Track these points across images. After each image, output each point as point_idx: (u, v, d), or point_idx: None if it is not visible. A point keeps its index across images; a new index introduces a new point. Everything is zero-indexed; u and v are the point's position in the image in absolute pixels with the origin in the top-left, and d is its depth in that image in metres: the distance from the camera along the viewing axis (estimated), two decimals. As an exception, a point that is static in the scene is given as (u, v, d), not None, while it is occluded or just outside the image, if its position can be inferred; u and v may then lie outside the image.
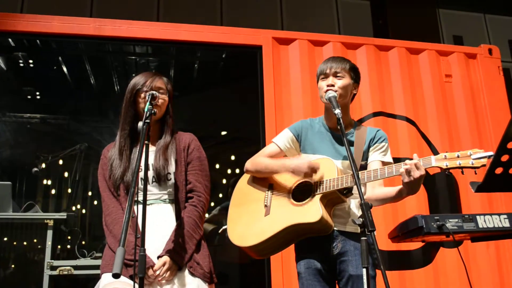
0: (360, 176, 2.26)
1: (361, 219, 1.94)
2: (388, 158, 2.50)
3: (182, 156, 2.56)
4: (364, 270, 1.95)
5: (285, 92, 4.23)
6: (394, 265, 3.94)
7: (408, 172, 2.12)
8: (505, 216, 2.71)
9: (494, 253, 4.15)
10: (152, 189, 2.48)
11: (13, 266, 4.77)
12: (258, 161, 2.59)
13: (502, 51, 4.95)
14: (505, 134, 1.67)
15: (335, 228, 2.38)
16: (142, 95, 2.50)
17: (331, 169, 2.35)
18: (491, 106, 4.58)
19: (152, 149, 2.55)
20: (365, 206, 1.91)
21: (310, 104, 4.16)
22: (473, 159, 2.00)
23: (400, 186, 2.29)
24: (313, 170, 2.32)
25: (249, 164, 2.62)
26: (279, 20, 7.05)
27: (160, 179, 2.46)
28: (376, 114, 4.29)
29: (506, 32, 7.97)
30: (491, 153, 1.92)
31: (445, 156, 2.08)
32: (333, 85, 2.45)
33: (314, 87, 4.18)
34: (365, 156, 2.51)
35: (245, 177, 2.68)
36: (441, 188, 4.29)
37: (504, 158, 1.73)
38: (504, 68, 5.14)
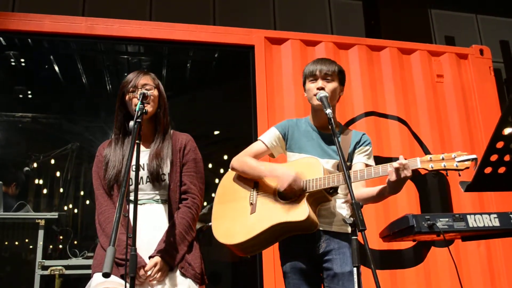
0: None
1: (352, 218, 1.95)
2: (372, 162, 2.54)
3: (178, 157, 2.56)
4: (355, 269, 1.96)
5: (277, 92, 4.24)
6: (386, 264, 3.96)
7: (396, 170, 2.14)
8: (495, 216, 2.73)
9: (485, 252, 4.18)
10: (145, 188, 2.47)
11: (4, 266, 4.75)
12: (245, 161, 2.58)
13: (493, 52, 4.98)
14: (494, 134, 1.68)
15: (320, 228, 2.40)
16: (127, 97, 2.50)
17: (317, 168, 2.37)
18: (482, 106, 4.61)
19: (147, 148, 2.55)
20: (356, 206, 1.92)
21: (302, 103, 4.16)
22: (457, 161, 2.04)
23: (383, 186, 2.32)
24: (295, 187, 2.32)
25: (235, 162, 2.61)
26: (272, 20, 7.05)
27: (154, 179, 2.46)
28: (368, 114, 4.31)
29: (498, 33, 8.00)
30: (474, 156, 1.97)
31: (430, 158, 2.12)
32: (323, 88, 2.46)
33: (306, 86, 4.21)
34: (350, 158, 2.54)
35: (230, 174, 2.68)
36: (432, 188, 4.31)
37: (493, 157, 1.74)
38: (495, 69, 5.16)
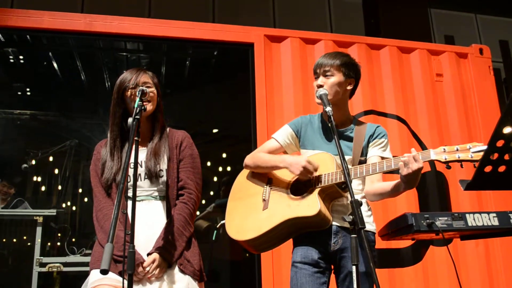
0: (359, 169, 2.27)
1: (351, 217, 1.94)
2: (387, 154, 2.47)
3: (175, 154, 2.55)
4: (354, 267, 1.96)
5: (277, 90, 4.24)
6: (384, 263, 3.96)
7: (406, 164, 2.10)
8: (494, 215, 2.72)
9: (483, 251, 4.18)
10: (143, 185, 2.47)
11: (2, 262, 4.75)
12: (257, 156, 2.58)
13: (492, 51, 4.98)
14: (495, 133, 1.67)
15: (336, 224, 2.37)
16: (128, 92, 2.48)
17: (329, 163, 2.34)
18: (482, 106, 4.61)
19: (144, 147, 2.54)
20: (355, 204, 1.91)
21: (302, 101, 4.16)
22: (472, 152, 1.99)
23: (398, 180, 2.26)
24: (310, 168, 2.29)
25: (248, 159, 2.62)
26: (271, 18, 7.04)
27: (152, 175, 2.46)
28: (367, 112, 4.31)
29: (497, 32, 8.00)
30: None
31: (444, 149, 2.06)
32: (322, 86, 2.44)
33: (306, 84, 4.22)
34: (365, 152, 2.49)
35: (245, 172, 2.68)
36: (431, 187, 4.31)
37: (494, 156, 1.73)
38: (495, 68, 5.16)
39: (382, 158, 2.43)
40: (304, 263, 2.36)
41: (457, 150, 2.04)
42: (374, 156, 2.45)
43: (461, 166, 2.06)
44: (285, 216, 2.32)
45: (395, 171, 2.20)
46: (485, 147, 1.92)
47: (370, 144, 2.49)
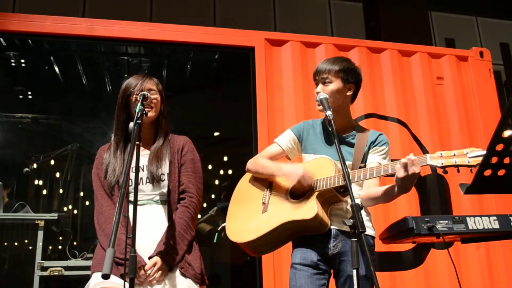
0: (357, 173, 2.26)
1: (351, 220, 1.94)
2: (387, 163, 2.43)
3: (176, 158, 2.57)
4: (355, 271, 1.96)
5: (277, 93, 4.24)
6: (385, 266, 3.95)
7: (404, 166, 2.08)
8: (495, 218, 2.73)
9: (484, 254, 4.17)
10: (145, 189, 2.48)
11: (3, 266, 4.75)
12: (258, 161, 2.59)
13: (493, 54, 4.98)
14: (494, 136, 1.68)
15: (335, 228, 2.37)
16: (133, 98, 2.51)
17: (328, 167, 2.35)
18: (482, 109, 4.61)
19: (146, 152, 2.56)
20: (356, 208, 1.91)
21: (302, 105, 4.17)
22: (469, 157, 1.97)
23: (391, 185, 2.25)
24: (306, 180, 2.31)
25: (250, 164, 2.63)
26: (272, 22, 7.06)
27: (154, 179, 2.47)
28: (368, 116, 4.31)
29: (498, 35, 8.02)
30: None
31: (441, 154, 2.05)
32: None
33: (306, 88, 4.22)
34: (365, 158, 2.49)
35: (247, 176, 2.70)
36: (432, 190, 4.31)
37: (493, 160, 1.74)
38: (495, 71, 5.17)
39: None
40: (303, 265, 2.36)
41: (454, 155, 2.03)
42: (373, 163, 2.43)
43: (458, 171, 2.04)
44: (283, 219, 2.33)
45: (393, 176, 2.20)
46: (482, 152, 1.92)
47: (370, 151, 2.49)
